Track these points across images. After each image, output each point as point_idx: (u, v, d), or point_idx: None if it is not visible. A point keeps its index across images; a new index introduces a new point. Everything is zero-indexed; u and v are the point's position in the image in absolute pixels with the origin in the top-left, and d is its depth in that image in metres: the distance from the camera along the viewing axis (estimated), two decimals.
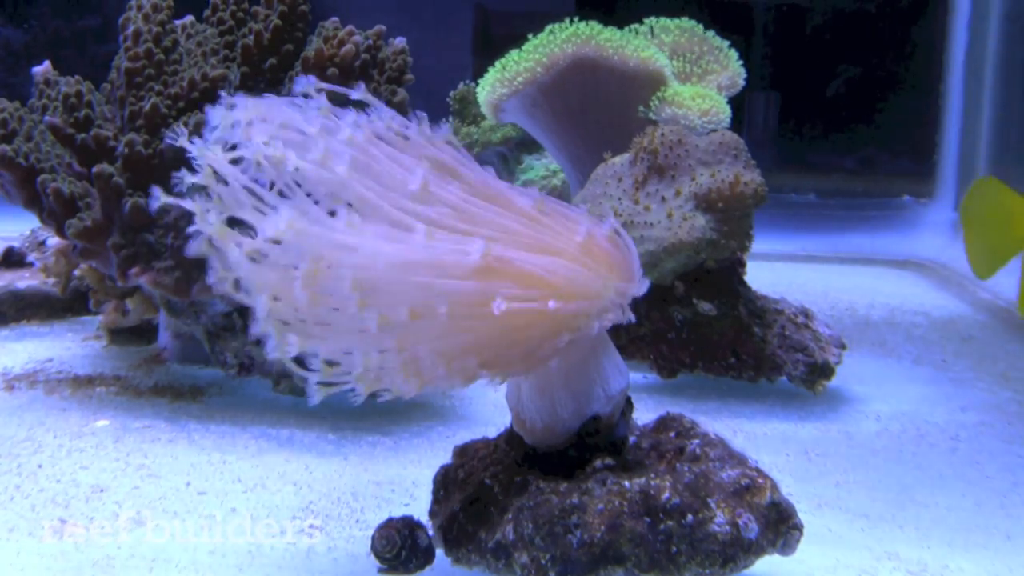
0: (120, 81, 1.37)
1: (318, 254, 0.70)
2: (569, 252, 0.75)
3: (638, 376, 1.48)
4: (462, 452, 0.88)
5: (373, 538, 0.84)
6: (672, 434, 0.86)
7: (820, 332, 1.46)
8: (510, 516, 0.78)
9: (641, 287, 0.76)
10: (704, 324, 1.42)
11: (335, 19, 1.42)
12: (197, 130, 1.27)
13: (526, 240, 0.74)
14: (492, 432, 0.90)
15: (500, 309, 0.69)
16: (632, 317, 0.75)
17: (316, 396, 0.74)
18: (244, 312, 0.80)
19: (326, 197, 0.75)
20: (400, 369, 0.71)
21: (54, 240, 1.69)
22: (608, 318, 0.75)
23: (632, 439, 0.86)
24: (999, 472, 1.19)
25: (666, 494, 0.75)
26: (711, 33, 2.02)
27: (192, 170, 0.76)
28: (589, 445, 0.82)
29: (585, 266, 0.75)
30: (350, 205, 0.74)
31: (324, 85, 0.79)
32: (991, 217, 1.45)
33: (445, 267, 0.71)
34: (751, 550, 0.76)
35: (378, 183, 0.75)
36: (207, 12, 1.46)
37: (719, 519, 0.75)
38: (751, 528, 0.75)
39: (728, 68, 1.97)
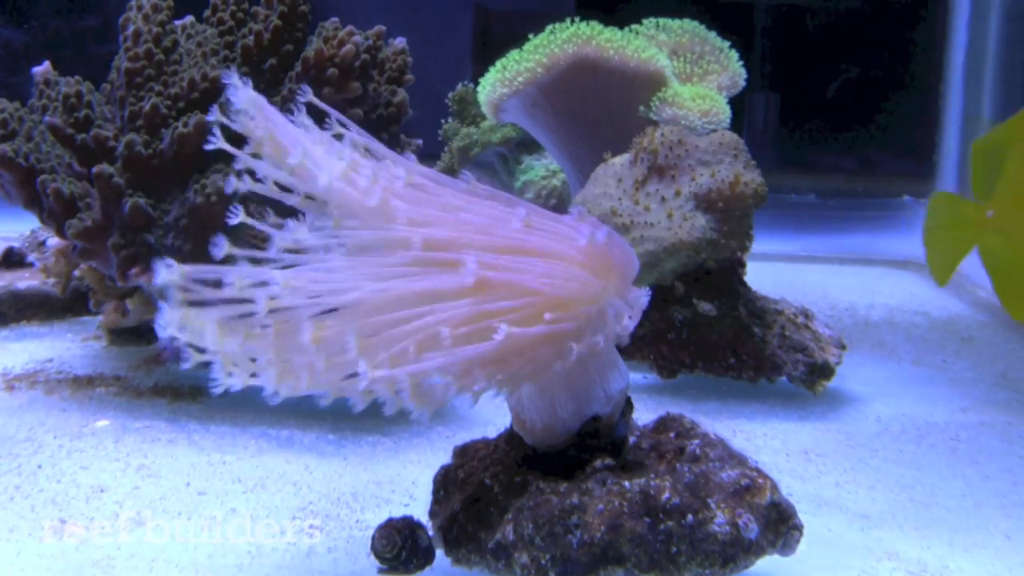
0: (120, 81, 1.37)
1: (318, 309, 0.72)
2: (569, 257, 0.75)
3: (638, 376, 1.48)
4: (462, 452, 0.89)
5: (373, 538, 0.84)
6: (672, 434, 0.86)
7: (820, 332, 1.46)
8: (510, 516, 0.78)
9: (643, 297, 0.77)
10: (704, 324, 1.42)
11: (335, 19, 1.42)
12: (197, 130, 1.28)
13: (521, 250, 0.75)
14: (492, 432, 0.90)
15: (503, 334, 0.69)
16: (627, 337, 0.76)
17: (325, 399, 0.74)
18: None
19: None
20: (410, 393, 0.71)
21: (54, 240, 1.69)
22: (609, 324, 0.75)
23: (632, 439, 0.86)
24: (999, 472, 1.19)
25: (666, 494, 0.75)
26: (712, 34, 2.01)
27: None
28: (589, 445, 0.82)
29: (584, 269, 0.75)
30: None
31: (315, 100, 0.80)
32: (948, 226, 1.50)
33: (443, 293, 0.71)
34: (751, 550, 0.76)
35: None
36: (207, 12, 1.46)
37: (719, 519, 0.75)
38: (751, 528, 0.75)
39: (728, 68, 1.97)
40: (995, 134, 1.50)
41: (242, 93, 0.76)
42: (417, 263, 0.73)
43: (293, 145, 0.75)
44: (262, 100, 0.77)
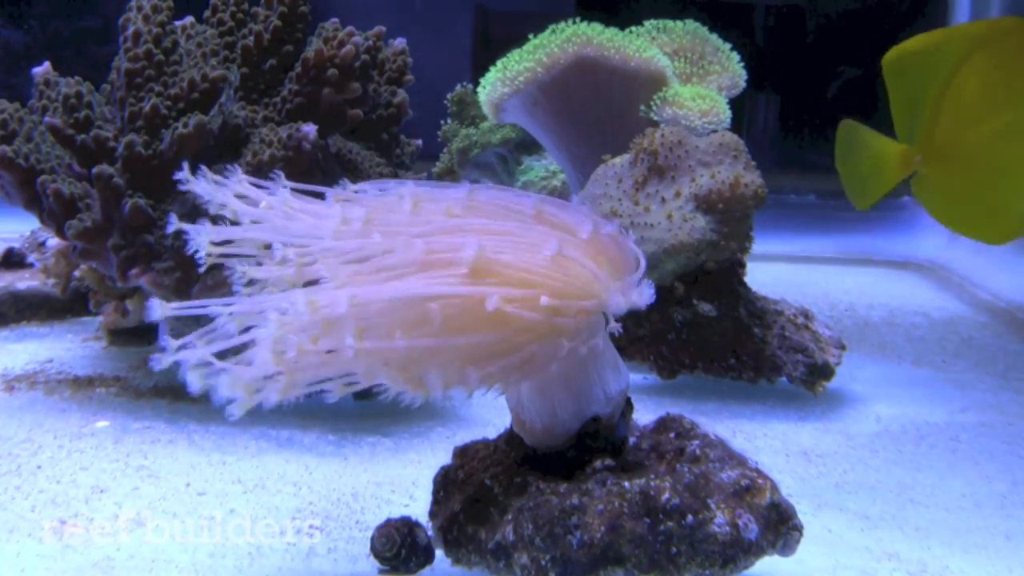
0: (120, 82, 1.37)
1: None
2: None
3: (638, 377, 1.48)
4: (462, 453, 0.89)
5: (373, 538, 0.84)
6: (672, 435, 0.86)
7: (820, 333, 1.46)
8: (510, 517, 0.78)
9: (646, 293, 0.76)
10: (704, 325, 1.42)
11: (335, 20, 1.42)
12: (197, 131, 1.28)
13: (523, 241, 0.74)
14: (492, 433, 0.90)
15: (494, 304, 0.68)
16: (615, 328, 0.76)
17: (334, 396, 0.75)
18: None
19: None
20: (404, 383, 0.72)
21: (54, 241, 1.69)
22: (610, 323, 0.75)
23: (632, 440, 0.86)
24: (999, 472, 1.19)
25: (666, 495, 0.75)
26: (713, 35, 2.01)
27: None
28: (589, 446, 0.82)
29: (585, 264, 0.74)
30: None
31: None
32: (866, 162, 1.36)
33: (438, 275, 0.71)
34: (751, 551, 0.76)
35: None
36: (207, 13, 1.46)
37: (719, 520, 0.75)
38: (751, 529, 0.75)
39: (729, 69, 1.97)
40: (916, 48, 1.24)
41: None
42: (419, 264, 0.73)
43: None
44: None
